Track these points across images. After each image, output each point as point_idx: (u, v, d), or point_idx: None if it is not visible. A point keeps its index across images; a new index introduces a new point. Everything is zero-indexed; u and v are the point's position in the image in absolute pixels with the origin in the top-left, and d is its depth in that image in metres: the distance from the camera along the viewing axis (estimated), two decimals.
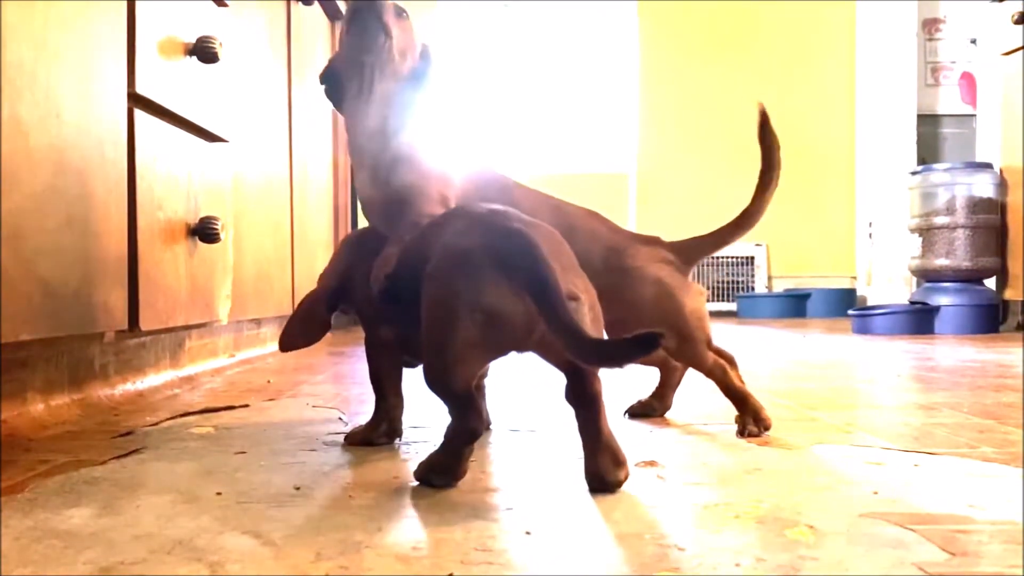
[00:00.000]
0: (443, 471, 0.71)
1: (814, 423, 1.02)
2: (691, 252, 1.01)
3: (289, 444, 0.90)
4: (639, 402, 1.10)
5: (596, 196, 4.78)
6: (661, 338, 0.59)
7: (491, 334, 0.67)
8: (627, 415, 1.09)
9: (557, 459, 0.82)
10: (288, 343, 0.96)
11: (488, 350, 0.70)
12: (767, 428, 0.95)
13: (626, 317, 0.94)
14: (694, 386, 1.12)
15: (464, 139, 4.86)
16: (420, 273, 0.73)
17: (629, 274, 0.97)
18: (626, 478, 0.70)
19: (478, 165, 1.00)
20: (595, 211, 1.03)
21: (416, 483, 0.72)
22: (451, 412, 0.71)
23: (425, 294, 0.71)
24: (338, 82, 0.96)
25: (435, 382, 0.70)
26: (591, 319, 0.68)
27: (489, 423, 0.98)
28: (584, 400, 0.69)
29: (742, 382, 0.98)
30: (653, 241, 1.02)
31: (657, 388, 1.10)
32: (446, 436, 0.71)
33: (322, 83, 0.97)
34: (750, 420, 0.95)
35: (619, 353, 0.63)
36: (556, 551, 0.54)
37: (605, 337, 0.73)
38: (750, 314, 4.27)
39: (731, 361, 1.00)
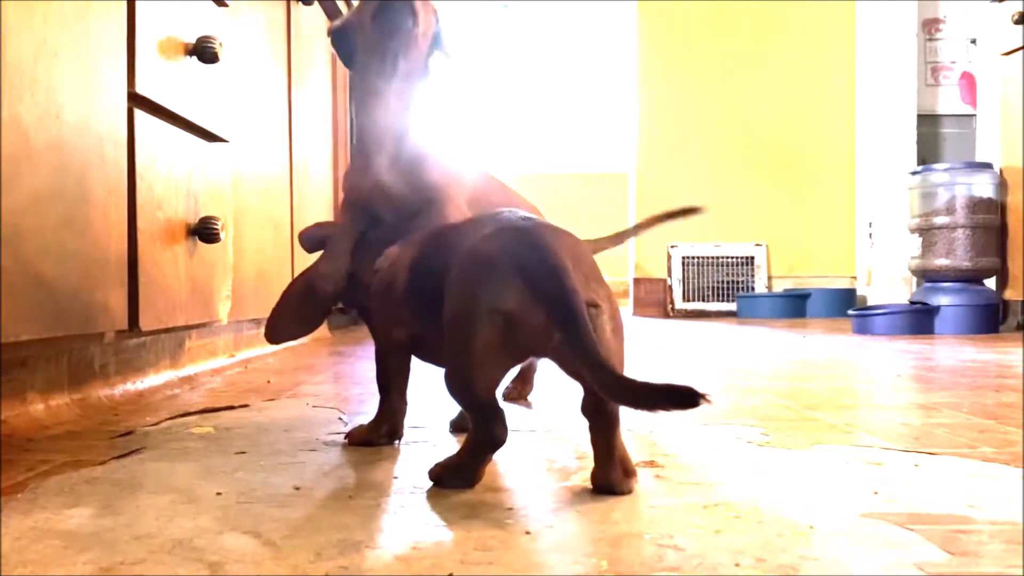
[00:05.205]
0: (460, 475, 0.71)
1: (814, 423, 1.02)
2: (593, 247, 1.13)
3: (289, 444, 0.90)
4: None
5: (596, 196, 4.79)
6: (701, 399, 0.57)
7: (510, 338, 0.67)
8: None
9: (557, 459, 0.82)
10: (279, 331, 0.96)
11: (508, 354, 0.69)
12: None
13: None
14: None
15: (468, 137, 4.86)
16: (440, 276, 0.72)
17: None
18: (634, 486, 0.69)
19: (479, 168, 1.04)
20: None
21: (417, 483, 0.72)
22: (474, 420, 0.70)
23: (447, 297, 0.70)
24: (347, 42, 0.97)
25: (458, 388, 0.70)
26: (611, 328, 0.68)
27: None
28: (602, 416, 0.69)
29: None
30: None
31: (520, 371, 1.21)
32: (468, 442, 0.71)
33: (332, 42, 0.99)
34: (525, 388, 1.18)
35: (650, 400, 0.61)
36: (556, 551, 0.54)
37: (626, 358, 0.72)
38: (750, 314, 4.27)
39: None
